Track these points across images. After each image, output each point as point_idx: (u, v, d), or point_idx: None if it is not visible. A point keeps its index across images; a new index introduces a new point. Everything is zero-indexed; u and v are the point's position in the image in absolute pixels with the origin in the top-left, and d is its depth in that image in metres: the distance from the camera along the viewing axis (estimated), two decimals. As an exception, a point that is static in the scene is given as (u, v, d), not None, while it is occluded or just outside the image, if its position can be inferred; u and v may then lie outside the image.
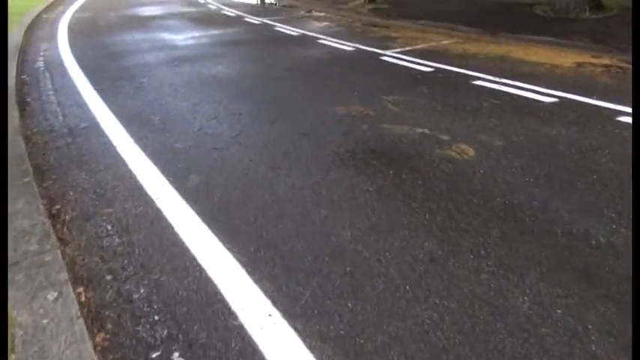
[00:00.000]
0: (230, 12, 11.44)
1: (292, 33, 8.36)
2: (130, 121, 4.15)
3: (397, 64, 5.88)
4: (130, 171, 3.18)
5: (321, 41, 7.50)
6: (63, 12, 12.00)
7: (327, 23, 9.53)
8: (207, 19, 10.44)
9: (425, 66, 5.68)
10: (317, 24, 9.47)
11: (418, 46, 6.86)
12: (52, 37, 8.38)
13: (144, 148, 3.57)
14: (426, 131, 3.69)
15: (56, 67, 6.24)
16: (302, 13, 11.23)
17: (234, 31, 8.82)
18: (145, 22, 9.98)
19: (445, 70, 5.49)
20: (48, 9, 12.31)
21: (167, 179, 3.03)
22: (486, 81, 4.96)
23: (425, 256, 2.17)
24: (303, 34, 8.26)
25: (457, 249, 2.21)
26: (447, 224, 2.41)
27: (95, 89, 5.14)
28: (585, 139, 3.43)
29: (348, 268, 2.10)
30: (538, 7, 8.53)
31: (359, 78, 5.31)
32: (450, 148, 3.38)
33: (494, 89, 4.69)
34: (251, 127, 3.93)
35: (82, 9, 12.56)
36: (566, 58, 5.78)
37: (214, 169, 3.17)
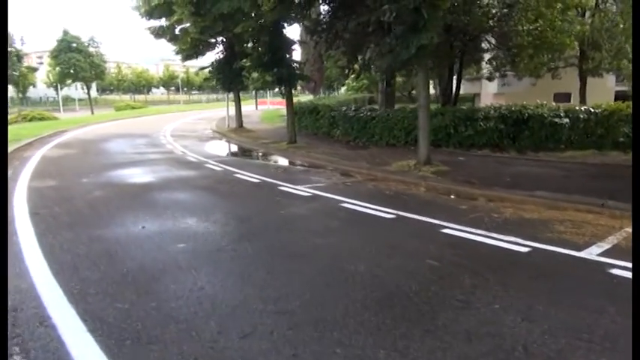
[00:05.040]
0: (247, 176, 8.94)
1: (380, 214, 5.91)
2: None
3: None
4: None
5: (445, 231, 5.10)
6: (12, 180, 8.67)
7: (393, 192, 7.35)
8: (228, 189, 7.85)
9: None
10: (380, 193, 7.25)
11: (609, 240, 4.67)
12: (10, 235, 5.09)
13: None
14: None
15: (31, 321, 3.06)
16: (338, 175, 9.13)
17: (293, 211, 6.21)
18: (143, 197, 7.12)
19: None
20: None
21: None
22: None
23: None
24: (397, 215, 5.86)
25: None
26: None
27: None
28: None
29: None
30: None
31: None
32: None
33: None
34: None
35: (38, 174, 9.28)
36: None
37: None
